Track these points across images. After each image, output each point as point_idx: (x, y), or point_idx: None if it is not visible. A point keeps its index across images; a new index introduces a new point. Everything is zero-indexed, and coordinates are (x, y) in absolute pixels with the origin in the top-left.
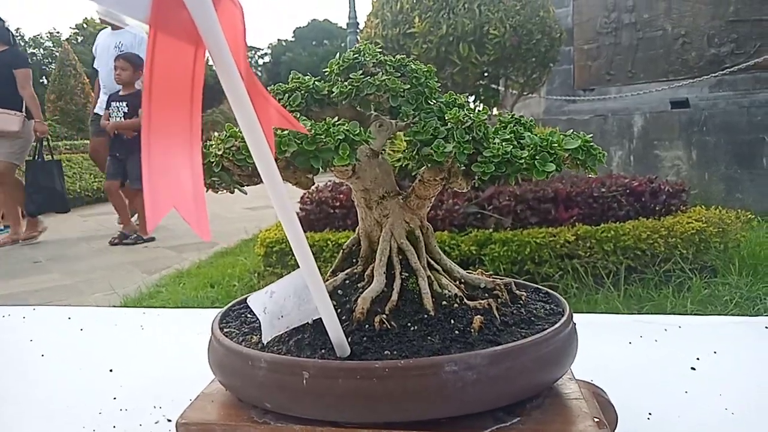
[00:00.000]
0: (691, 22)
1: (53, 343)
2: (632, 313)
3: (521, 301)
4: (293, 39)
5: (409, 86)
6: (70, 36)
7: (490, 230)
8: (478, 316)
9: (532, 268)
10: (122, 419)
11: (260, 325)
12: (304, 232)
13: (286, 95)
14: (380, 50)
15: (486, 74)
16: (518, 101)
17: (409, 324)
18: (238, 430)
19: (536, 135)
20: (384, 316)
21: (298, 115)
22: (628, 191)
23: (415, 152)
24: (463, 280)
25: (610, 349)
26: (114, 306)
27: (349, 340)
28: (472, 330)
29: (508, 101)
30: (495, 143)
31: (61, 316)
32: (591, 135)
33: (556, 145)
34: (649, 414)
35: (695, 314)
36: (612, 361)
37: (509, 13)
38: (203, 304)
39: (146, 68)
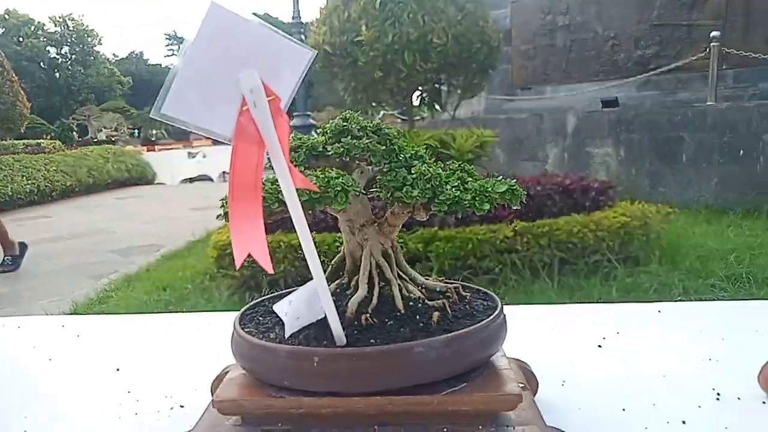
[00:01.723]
0: (619, 25)
1: (56, 349)
2: (560, 303)
3: (466, 300)
4: None
5: (384, 147)
6: None
7: (436, 228)
8: (436, 312)
9: (474, 263)
10: (141, 408)
11: (279, 324)
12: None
13: (292, 152)
14: (362, 117)
15: (430, 80)
16: (460, 103)
17: (386, 320)
18: (261, 403)
19: (477, 181)
20: (368, 315)
21: (303, 169)
22: (561, 189)
23: (389, 194)
24: (424, 286)
25: (538, 332)
26: (62, 312)
27: (344, 333)
28: (432, 322)
29: (452, 98)
30: (447, 189)
31: (55, 324)
32: (528, 133)
33: (490, 189)
34: (563, 381)
35: (606, 302)
36: (538, 342)
37: (451, 24)
38: (157, 307)
39: (231, 167)
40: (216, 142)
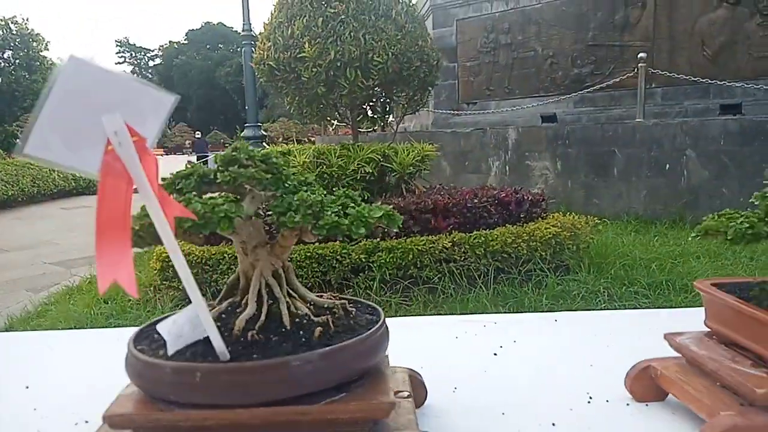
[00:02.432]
0: (557, 44)
1: None
2: (473, 313)
3: (351, 315)
4: (186, 41)
5: (270, 175)
6: None
7: (378, 239)
8: (319, 328)
9: (415, 273)
10: (44, 425)
11: (166, 343)
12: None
13: (183, 179)
14: (251, 148)
15: (373, 95)
16: (402, 119)
17: (271, 336)
18: (150, 417)
19: (356, 207)
20: (254, 331)
21: (193, 194)
22: (496, 201)
23: (277, 218)
24: (313, 303)
25: (440, 342)
26: None
27: (230, 349)
28: (314, 338)
29: (396, 113)
30: (327, 215)
31: None
32: (473, 146)
33: (366, 215)
34: (455, 387)
35: (507, 312)
36: (438, 352)
37: (391, 42)
38: (97, 320)
39: (98, 201)
40: (168, 151)
